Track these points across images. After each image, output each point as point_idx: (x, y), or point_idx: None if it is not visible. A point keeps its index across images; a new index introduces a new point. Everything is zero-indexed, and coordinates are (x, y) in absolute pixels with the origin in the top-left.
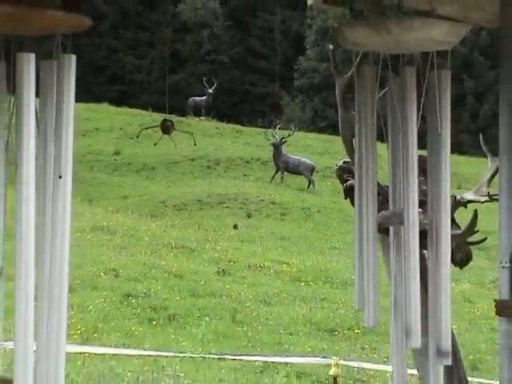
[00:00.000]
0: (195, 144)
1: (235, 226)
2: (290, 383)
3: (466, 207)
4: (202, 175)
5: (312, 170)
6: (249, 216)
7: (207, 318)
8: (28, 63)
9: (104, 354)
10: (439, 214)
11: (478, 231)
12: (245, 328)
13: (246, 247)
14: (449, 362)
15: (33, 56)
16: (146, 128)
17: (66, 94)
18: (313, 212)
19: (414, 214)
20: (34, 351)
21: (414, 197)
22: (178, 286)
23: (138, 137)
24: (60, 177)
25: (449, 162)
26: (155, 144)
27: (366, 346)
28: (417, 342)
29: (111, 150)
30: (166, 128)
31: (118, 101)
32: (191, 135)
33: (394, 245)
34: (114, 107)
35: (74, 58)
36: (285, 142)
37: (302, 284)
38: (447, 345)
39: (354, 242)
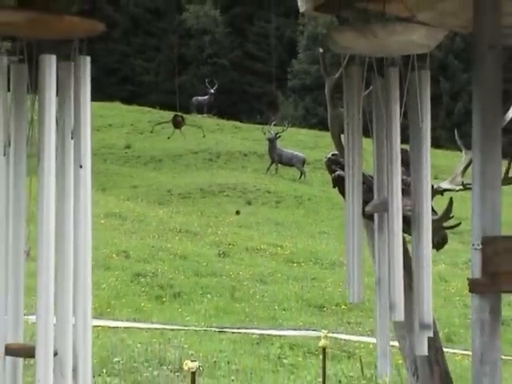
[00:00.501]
0: (204, 136)
1: (238, 212)
2: (284, 354)
3: (442, 195)
4: (205, 167)
5: (303, 162)
6: (248, 203)
7: (209, 296)
8: (49, 64)
9: (116, 328)
10: (421, 201)
11: (452, 217)
12: (243, 304)
13: (243, 232)
14: (431, 333)
15: (54, 58)
16: (160, 123)
17: (83, 91)
18: (304, 200)
19: (397, 202)
20: (54, 324)
21: (398, 186)
22: (182, 266)
23: (152, 132)
24: (81, 166)
25: (429, 154)
26: (168, 138)
27: (352, 321)
28: (400, 315)
29: (122, 144)
30: (178, 123)
31: (129, 100)
32: (201, 129)
33: (379, 229)
34: (125, 105)
35: (88, 59)
36: (279, 137)
37: (295, 265)
38: (429, 319)
39: (344, 227)
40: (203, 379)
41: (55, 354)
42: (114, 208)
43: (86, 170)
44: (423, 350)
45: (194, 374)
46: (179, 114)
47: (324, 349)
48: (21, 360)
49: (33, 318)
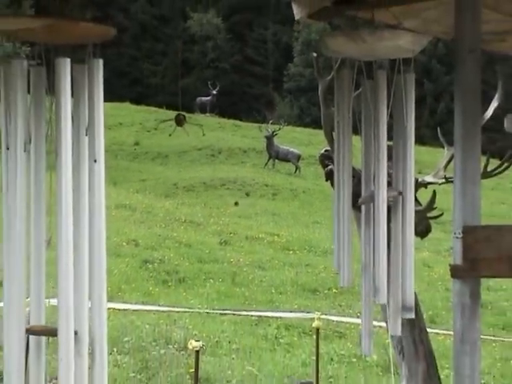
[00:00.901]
0: (204, 134)
1: (236, 203)
2: (280, 334)
3: (426, 188)
4: (207, 162)
5: (298, 157)
6: (247, 195)
7: (211, 280)
8: (65, 67)
9: (126, 310)
10: (405, 193)
11: (436, 208)
12: (242, 289)
13: (243, 222)
14: (412, 315)
15: (69, 61)
16: (164, 121)
17: (96, 92)
18: (299, 192)
19: (383, 194)
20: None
21: (384, 179)
22: (187, 253)
23: (156, 129)
24: (95, 161)
25: (413, 151)
26: (170, 135)
27: (343, 304)
28: (383, 298)
29: (132, 141)
30: (179, 121)
31: (138, 100)
32: (201, 127)
33: (365, 219)
34: (134, 106)
35: (101, 62)
36: (276, 134)
37: (290, 252)
38: (411, 301)
39: (334, 217)
40: (206, 357)
41: (75, 333)
42: (124, 200)
43: (99, 165)
44: (401, 329)
45: (197, 352)
46: (182, 113)
47: (317, 329)
48: (43, 339)
49: (54, 301)
